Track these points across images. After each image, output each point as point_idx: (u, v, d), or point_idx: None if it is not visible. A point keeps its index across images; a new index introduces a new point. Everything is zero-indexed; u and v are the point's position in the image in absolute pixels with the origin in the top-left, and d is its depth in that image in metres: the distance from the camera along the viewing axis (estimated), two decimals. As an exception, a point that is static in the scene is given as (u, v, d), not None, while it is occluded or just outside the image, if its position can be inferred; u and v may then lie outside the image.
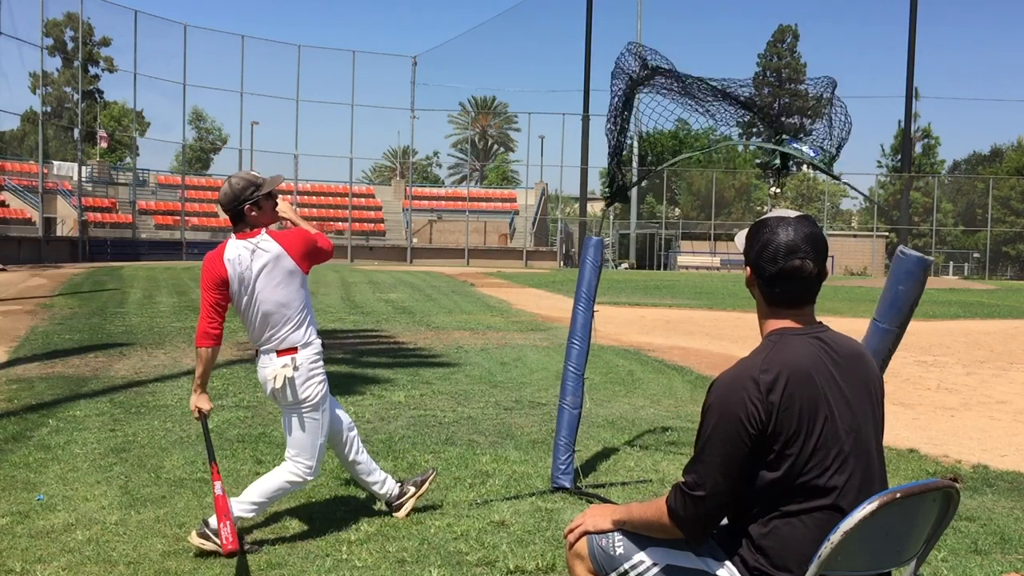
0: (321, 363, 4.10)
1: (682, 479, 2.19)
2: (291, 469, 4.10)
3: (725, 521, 2.27)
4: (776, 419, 2.08)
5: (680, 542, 2.26)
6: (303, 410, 4.05)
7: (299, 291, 4.01)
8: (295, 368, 3.97)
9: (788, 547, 2.12)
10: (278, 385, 3.96)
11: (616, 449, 6.10)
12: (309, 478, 4.14)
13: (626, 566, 2.31)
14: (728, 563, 2.20)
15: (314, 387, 4.04)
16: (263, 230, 4.01)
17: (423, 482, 4.56)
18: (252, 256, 3.95)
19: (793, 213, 2.29)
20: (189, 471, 5.28)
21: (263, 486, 4.09)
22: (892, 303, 2.81)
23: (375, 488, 4.45)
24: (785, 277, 2.18)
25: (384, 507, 4.53)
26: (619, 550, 2.32)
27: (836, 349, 2.23)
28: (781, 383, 2.09)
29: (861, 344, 2.37)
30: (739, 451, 2.09)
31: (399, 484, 4.53)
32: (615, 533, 2.35)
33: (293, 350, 3.98)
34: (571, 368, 5.08)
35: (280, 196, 4.15)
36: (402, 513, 4.45)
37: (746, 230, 2.32)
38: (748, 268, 2.26)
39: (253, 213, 4.00)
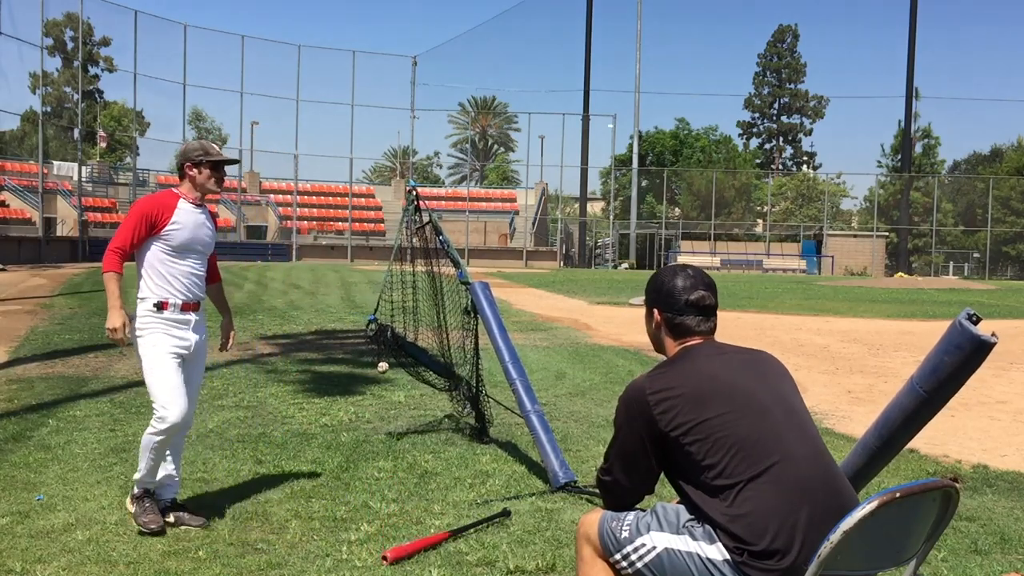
0: (155, 321, 4.29)
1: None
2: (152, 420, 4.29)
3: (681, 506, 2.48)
4: (671, 425, 2.38)
5: (679, 526, 2.40)
6: (137, 355, 4.33)
7: (140, 251, 4.33)
8: (130, 316, 4.33)
9: (754, 518, 2.25)
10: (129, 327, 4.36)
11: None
12: (161, 426, 4.19)
13: (629, 548, 2.46)
14: (719, 544, 2.31)
15: (143, 336, 4.29)
16: (175, 189, 4.46)
17: (142, 520, 4.20)
18: None
19: (676, 264, 2.78)
20: (188, 471, 5.27)
21: (141, 446, 4.31)
22: (933, 370, 2.74)
23: (161, 474, 4.36)
24: (691, 307, 2.59)
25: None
26: (625, 533, 2.49)
27: (737, 350, 2.62)
28: (669, 393, 2.41)
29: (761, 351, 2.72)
30: (637, 449, 2.48)
31: (148, 488, 4.32)
32: (625, 517, 2.52)
33: (142, 301, 4.35)
34: (517, 381, 5.62)
35: None
36: (129, 504, 4.35)
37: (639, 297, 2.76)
38: (655, 310, 2.66)
39: (191, 172, 4.41)
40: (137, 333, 4.30)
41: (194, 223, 4.39)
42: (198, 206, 4.44)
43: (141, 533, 4.16)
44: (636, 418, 2.45)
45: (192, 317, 4.38)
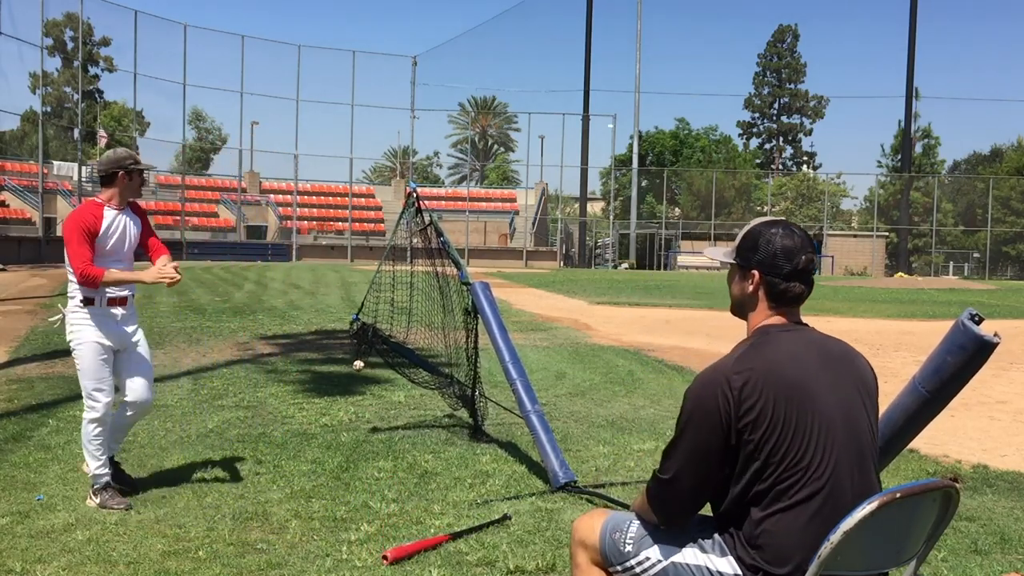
0: (84, 317, 4.58)
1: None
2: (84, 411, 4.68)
3: (708, 512, 2.32)
4: (747, 417, 2.14)
5: (686, 539, 2.28)
6: (71, 350, 4.66)
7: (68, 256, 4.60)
8: (63, 313, 4.69)
9: (782, 542, 2.14)
10: (59, 324, 4.75)
11: (616, 449, 6.10)
12: (93, 415, 4.62)
13: (633, 562, 2.34)
14: (731, 557, 2.21)
15: (73, 333, 4.61)
16: (97, 198, 4.72)
17: (110, 504, 4.57)
18: None
19: (775, 218, 2.44)
20: (189, 471, 5.28)
21: (83, 442, 4.72)
22: (936, 370, 2.72)
23: (98, 454, 4.67)
24: (799, 273, 2.30)
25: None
26: (628, 546, 2.35)
27: (823, 345, 2.34)
28: (754, 382, 2.16)
29: (849, 345, 2.44)
30: (709, 444, 2.18)
31: (107, 481, 4.66)
32: (628, 529, 2.38)
33: (72, 299, 4.64)
34: (517, 381, 5.61)
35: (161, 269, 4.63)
36: (88, 502, 4.64)
37: (717, 247, 2.56)
38: (756, 272, 2.32)
39: (125, 181, 4.66)
40: (68, 329, 4.61)
41: (119, 229, 4.67)
42: (120, 211, 4.70)
43: (106, 506, 4.55)
44: (715, 407, 2.16)
45: (119, 311, 4.67)
